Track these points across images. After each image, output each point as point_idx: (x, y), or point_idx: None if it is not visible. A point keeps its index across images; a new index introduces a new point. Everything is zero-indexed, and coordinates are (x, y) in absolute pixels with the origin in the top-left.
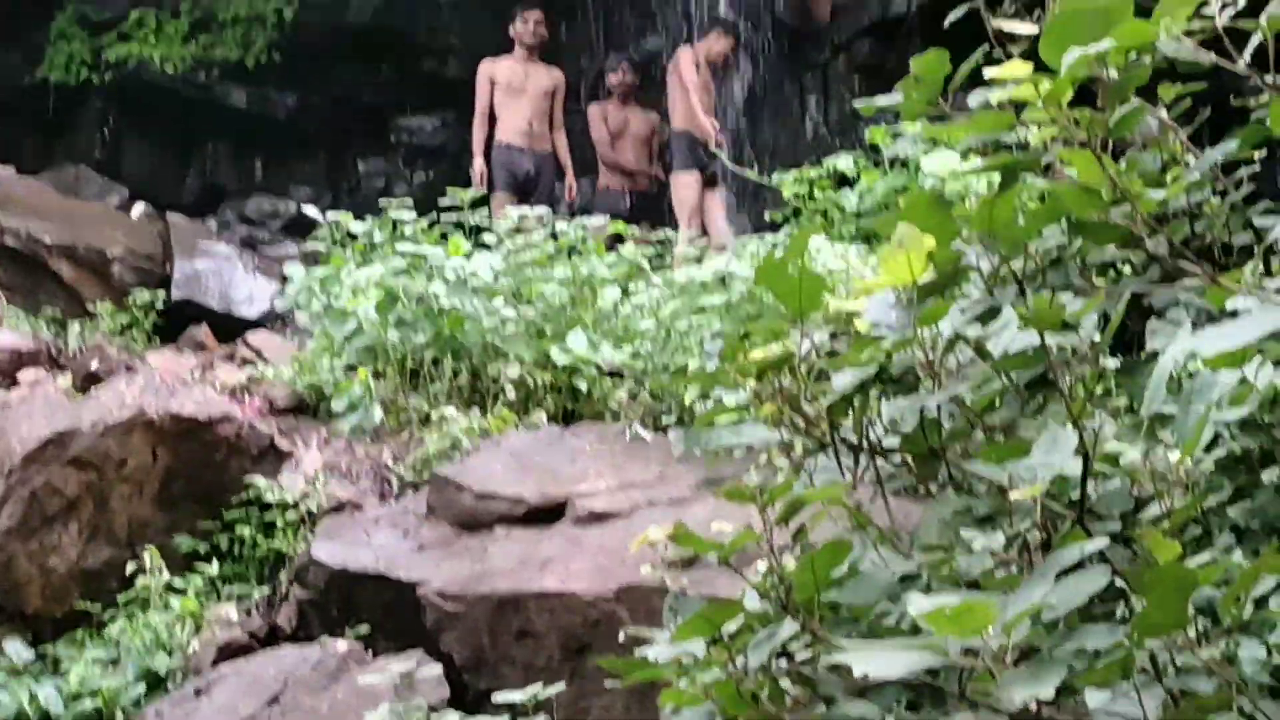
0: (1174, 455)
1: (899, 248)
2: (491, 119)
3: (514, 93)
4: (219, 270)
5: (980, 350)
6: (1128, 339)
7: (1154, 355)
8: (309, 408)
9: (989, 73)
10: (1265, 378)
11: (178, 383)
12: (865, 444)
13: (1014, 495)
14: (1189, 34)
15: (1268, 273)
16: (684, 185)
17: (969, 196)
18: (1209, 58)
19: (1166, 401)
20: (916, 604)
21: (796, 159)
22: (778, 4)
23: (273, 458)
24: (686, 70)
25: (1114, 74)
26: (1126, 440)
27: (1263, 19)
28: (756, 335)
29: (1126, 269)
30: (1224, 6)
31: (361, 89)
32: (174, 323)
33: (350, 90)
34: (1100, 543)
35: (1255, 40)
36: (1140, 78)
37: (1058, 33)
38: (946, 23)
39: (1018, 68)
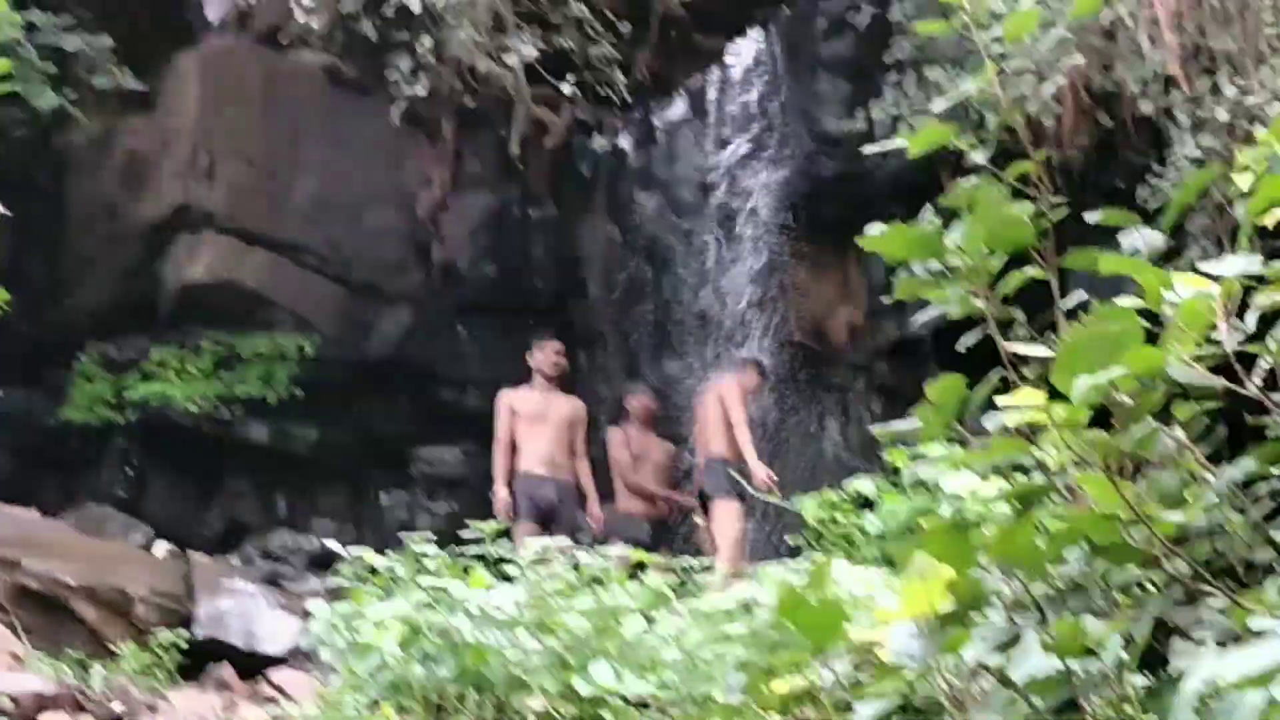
0: None
1: (918, 578)
2: (513, 448)
3: (535, 422)
4: (242, 608)
5: (1004, 679)
6: (1153, 658)
7: (1179, 676)
8: None
9: (1003, 401)
10: None
11: None
12: None
13: None
14: (1198, 359)
15: None
16: (727, 513)
17: (990, 518)
18: (1220, 383)
19: None
20: None
21: (817, 482)
22: (794, 328)
23: None
24: (734, 402)
25: (1127, 399)
26: None
27: (1270, 343)
28: (780, 667)
29: (1150, 586)
30: (1231, 332)
31: (382, 421)
32: (197, 661)
33: (371, 422)
34: None
35: (1264, 363)
36: (1153, 401)
37: (1069, 360)
38: (961, 345)
39: (1031, 396)
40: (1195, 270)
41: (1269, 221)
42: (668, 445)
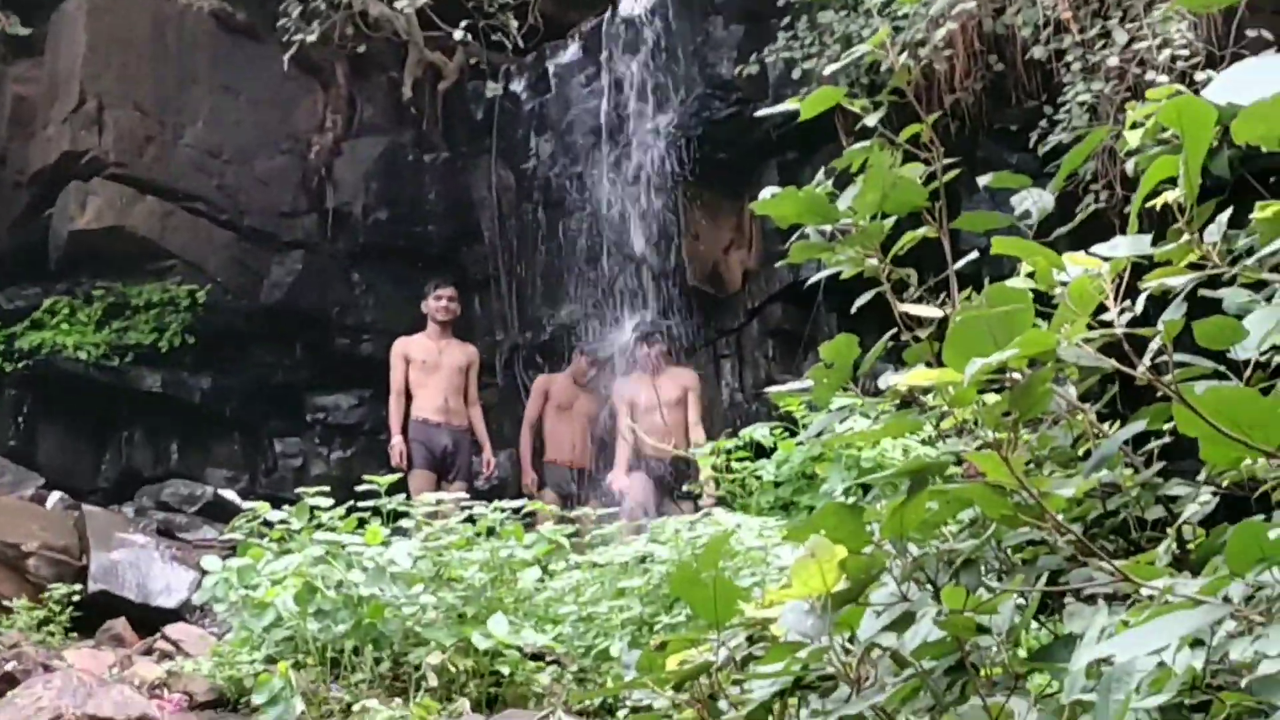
0: None
1: (811, 558)
2: (408, 396)
3: (429, 369)
4: (136, 561)
5: (897, 657)
6: (1049, 610)
7: (1071, 636)
8: (230, 702)
9: (895, 379)
10: (1183, 662)
11: (96, 682)
12: None
13: None
14: (1089, 340)
15: (1182, 547)
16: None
17: (885, 465)
18: (1110, 364)
19: (1086, 688)
20: None
21: (713, 426)
22: (688, 272)
23: None
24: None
25: (1019, 375)
26: None
27: (1160, 324)
28: (674, 644)
29: (1042, 545)
30: (1122, 312)
31: (276, 368)
32: (92, 615)
33: (264, 370)
34: None
35: (1156, 341)
36: (1044, 379)
37: (960, 339)
38: (854, 308)
39: (925, 375)
40: (1088, 249)
41: (1158, 204)
42: (595, 404)
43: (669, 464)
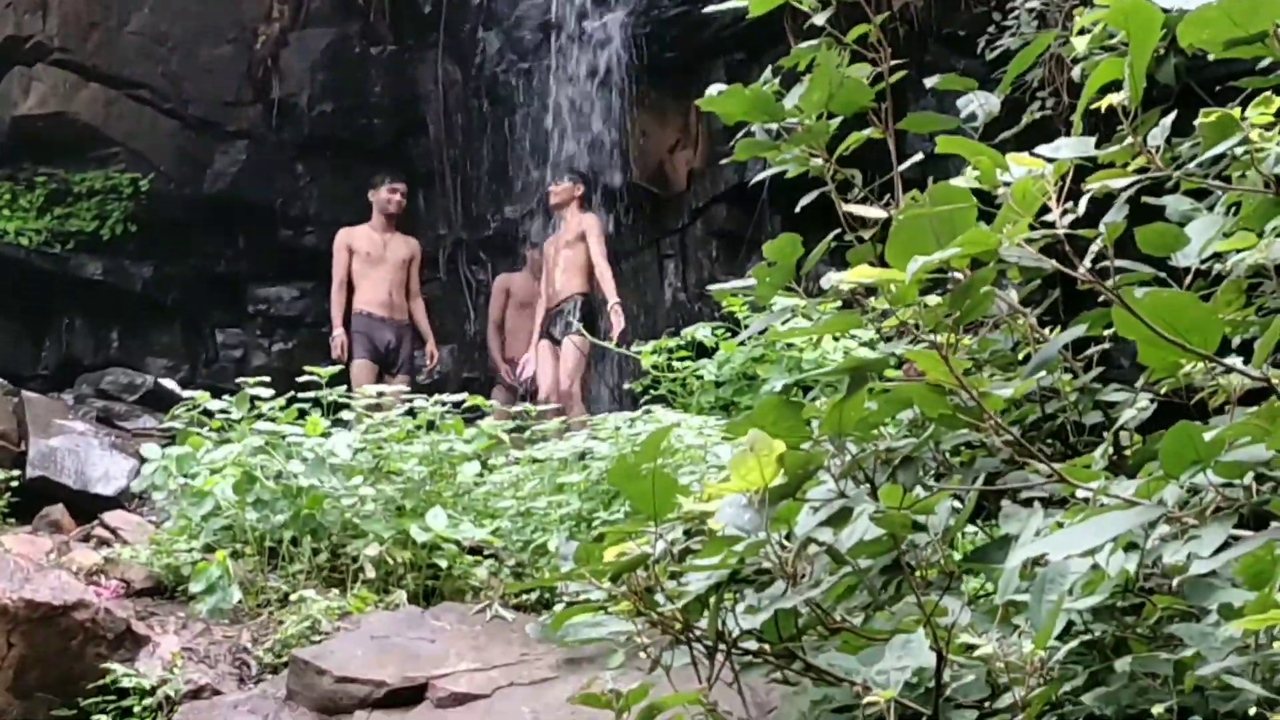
0: (1028, 644)
1: (749, 452)
2: (350, 288)
3: (372, 262)
4: (75, 448)
5: (833, 553)
6: (984, 513)
7: (1006, 538)
8: (167, 589)
9: (837, 277)
10: (1116, 564)
11: (33, 567)
12: (722, 642)
13: (869, 699)
14: (1031, 240)
15: (1118, 452)
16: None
17: (824, 363)
18: (1050, 265)
19: (1020, 589)
20: None
21: (655, 325)
22: (633, 169)
23: (130, 642)
24: (597, 238)
25: (961, 275)
26: (981, 627)
27: (1101, 227)
28: (611, 536)
29: (980, 448)
30: (1064, 214)
31: (218, 259)
32: (29, 501)
33: (206, 260)
34: None
35: (1097, 245)
36: (986, 279)
37: (904, 238)
38: (798, 207)
39: (867, 272)
40: (1032, 151)
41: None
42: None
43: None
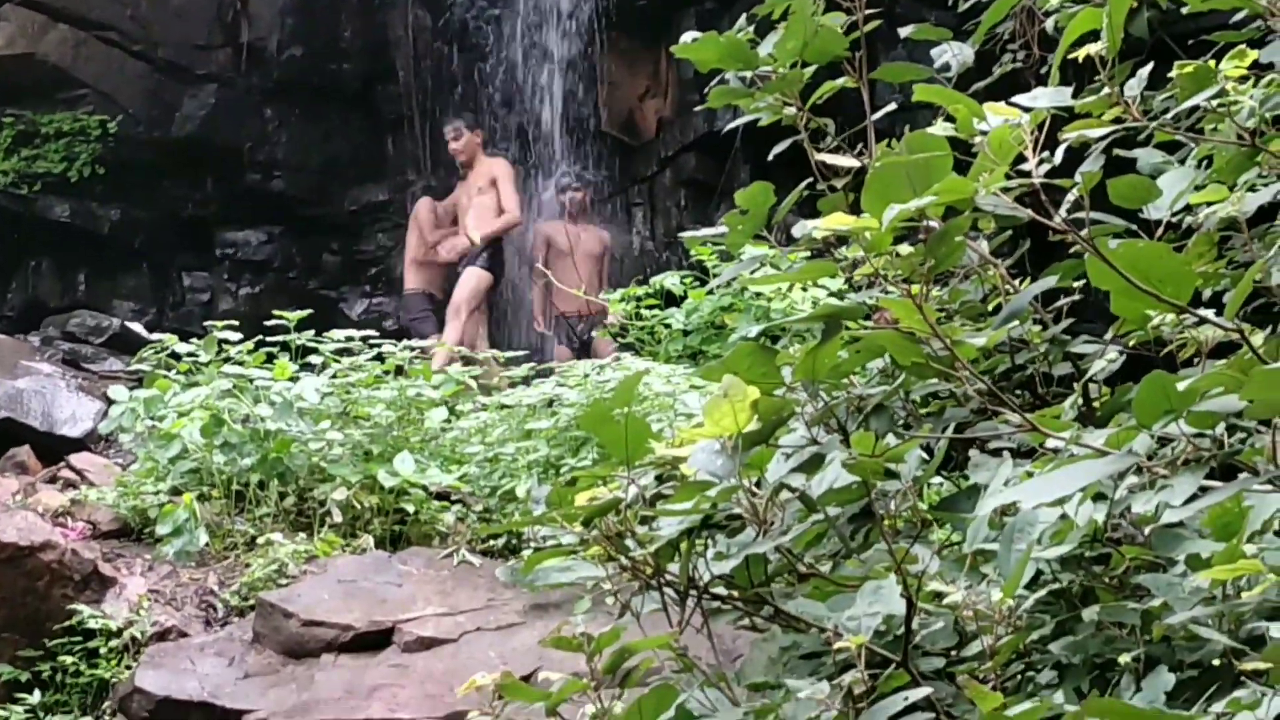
0: (997, 592)
1: (723, 398)
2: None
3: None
4: (41, 389)
5: (805, 499)
6: (953, 465)
7: (975, 487)
8: (133, 531)
9: (811, 225)
10: (1085, 514)
11: None
12: (692, 588)
13: (839, 645)
14: (1006, 189)
15: (1088, 404)
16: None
17: (793, 312)
18: (1026, 214)
19: (989, 538)
20: None
21: (623, 274)
22: (603, 116)
23: (96, 584)
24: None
25: (935, 224)
26: (950, 575)
27: (1077, 176)
28: (583, 481)
29: (950, 398)
30: (1040, 163)
31: (186, 202)
32: None
33: (175, 204)
34: (923, 691)
35: (1072, 195)
36: (961, 227)
37: (879, 186)
38: (770, 156)
39: (840, 220)
40: (1008, 100)
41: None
42: (602, 234)
43: (577, 319)
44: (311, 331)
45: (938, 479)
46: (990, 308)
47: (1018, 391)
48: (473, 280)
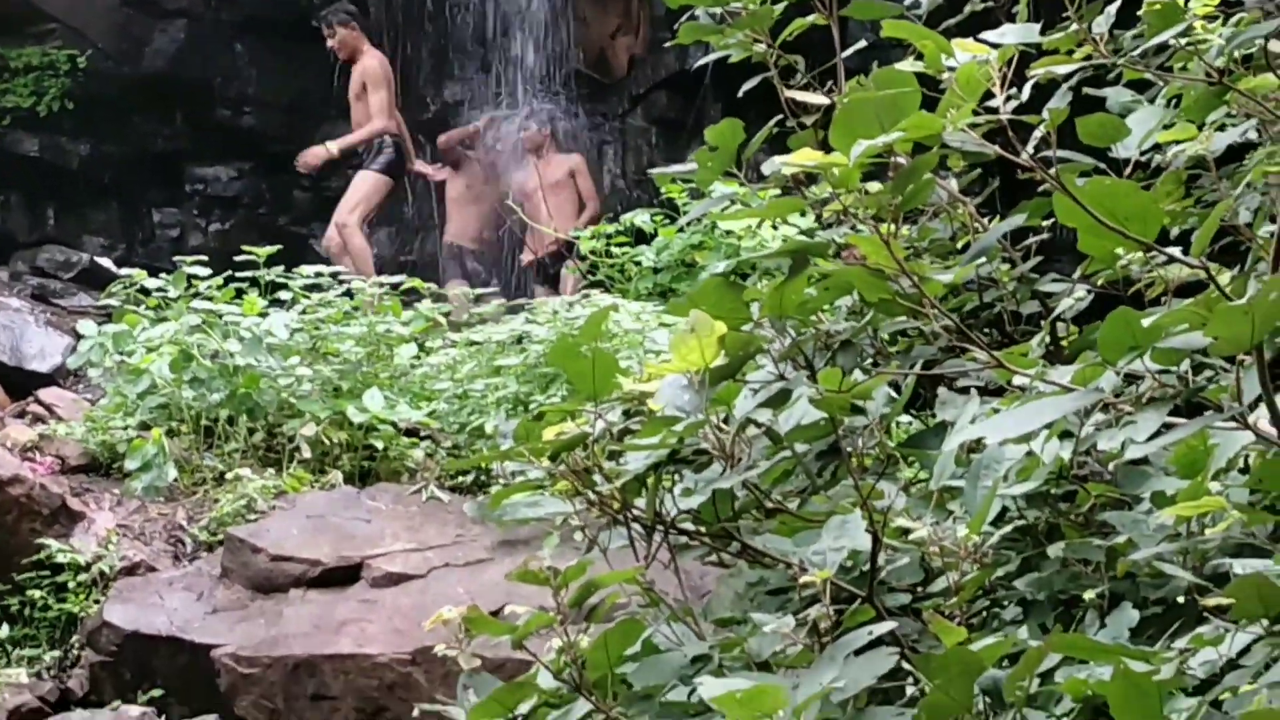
0: (962, 529)
1: (690, 333)
2: None
3: None
4: (10, 324)
5: (772, 434)
6: (920, 403)
7: (942, 425)
8: (102, 466)
9: (780, 161)
10: (1051, 452)
11: None
12: (659, 523)
13: (805, 579)
14: (974, 126)
15: (1055, 342)
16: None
17: (762, 247)
18: (993, 150)
19: (955, 475)
20: (708, 688)
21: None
22: (574, 56)
23: (65, 518)
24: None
25: (903, 160)
26: (916, 511)
27: (1045, 113)
28: (551, 415)
29: (918, 336)
30: (1008, 99)
31: (156, 138)
32: None
33: (144, 139)
34: (888, 625)
35: (1039, 132)
36: (929, 163)
37: (847, 122)
38: (740, 93)
39: (809, 155)
40: (976, 37)
41: None
42: (568, 159)
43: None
44: (281, 267)
45: (906, 417)
46: (959, 246)
47: (986, 329)
48: (364, 185)
